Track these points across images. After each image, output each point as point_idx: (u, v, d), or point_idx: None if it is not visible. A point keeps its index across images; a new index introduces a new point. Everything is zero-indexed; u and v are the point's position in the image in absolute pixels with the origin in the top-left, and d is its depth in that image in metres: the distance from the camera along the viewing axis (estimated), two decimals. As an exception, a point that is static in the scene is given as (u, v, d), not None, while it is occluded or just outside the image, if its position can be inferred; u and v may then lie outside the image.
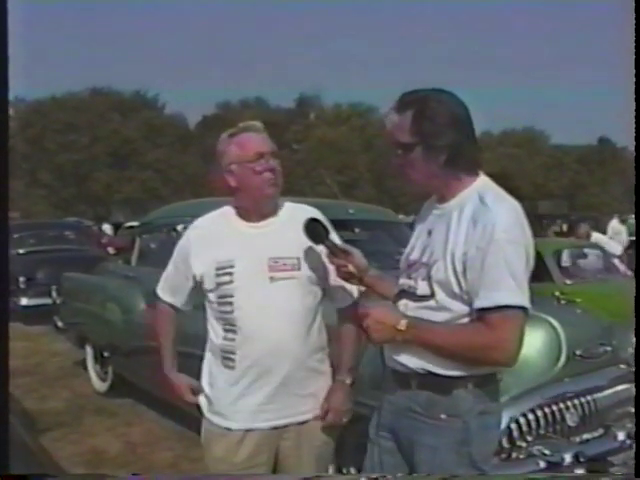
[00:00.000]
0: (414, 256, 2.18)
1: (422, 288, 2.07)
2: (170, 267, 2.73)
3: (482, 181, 2.10)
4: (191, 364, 2.76)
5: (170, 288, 2.73)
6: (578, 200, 55.50)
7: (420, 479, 2.11)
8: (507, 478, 3.06)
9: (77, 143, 54.86)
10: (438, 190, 2.14)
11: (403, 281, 2.19)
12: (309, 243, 2.43)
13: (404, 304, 2.13)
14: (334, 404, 2.56)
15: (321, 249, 2.44)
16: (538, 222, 18.87)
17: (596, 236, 10.28)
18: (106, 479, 3.37)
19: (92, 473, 4.55)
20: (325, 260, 2.45)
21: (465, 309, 2.00)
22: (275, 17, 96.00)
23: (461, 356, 2.00)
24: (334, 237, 2.47)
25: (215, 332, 2.58)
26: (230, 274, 2.47)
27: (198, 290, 2.62)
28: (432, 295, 2.04)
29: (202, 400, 2.66)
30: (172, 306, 2.75)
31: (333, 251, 2.36)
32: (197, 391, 2.67)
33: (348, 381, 2.61)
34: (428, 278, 2.05)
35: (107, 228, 25.88)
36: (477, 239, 1.94)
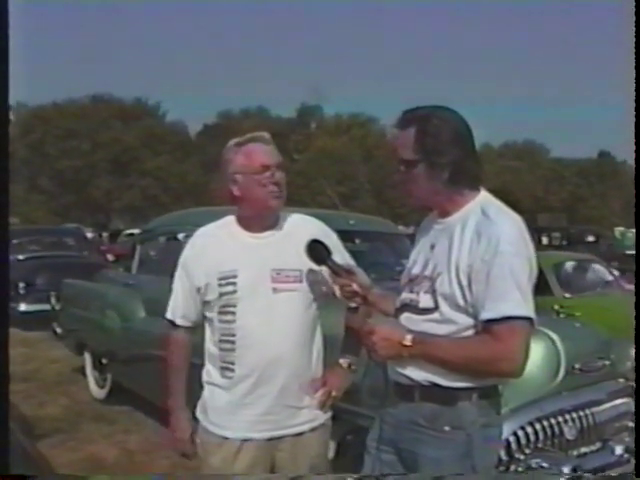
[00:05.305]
0: (416, 270, 2.18)
1: (425, 301, 2.07)
2: (177, 288, 2.62)
3: (483, 196, 2.11)
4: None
5: (182, 309, 2.62)
6: (577, 213, 55.54)
7: (418, 479, 2.12)
8: (503, 477, 3.06)
9: (78, 150, 54.75)
10: (440, 206, 2.15)
11: (405, 295, 2.19)
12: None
13: (407, 317, 2.13)
14: (331, 384, 2.58)
15: (324, 269, 2.41)
16: (537, 235, 18.87)
17: None
18: None
19: (91, 474, 4.55)
20: (328, 279, 2.42)
21: (469, 321, 2.01)
22: (277, 27, 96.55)
23: (468, 368, 2.01)
24: (336, 257, 2.41)
25: (214, 342, 2.55)
26: (233, 284, 2.45)
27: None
28: (436, 308, 2.04)
29: (199, 409, 2.63)
30: (187, 329, 2.64)
31: (336, 271, 2.34)
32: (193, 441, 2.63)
33: (343, 362, 2.62)
34: (432, 291, 2.05)
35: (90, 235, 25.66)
36: (482, 252, 1.95)
